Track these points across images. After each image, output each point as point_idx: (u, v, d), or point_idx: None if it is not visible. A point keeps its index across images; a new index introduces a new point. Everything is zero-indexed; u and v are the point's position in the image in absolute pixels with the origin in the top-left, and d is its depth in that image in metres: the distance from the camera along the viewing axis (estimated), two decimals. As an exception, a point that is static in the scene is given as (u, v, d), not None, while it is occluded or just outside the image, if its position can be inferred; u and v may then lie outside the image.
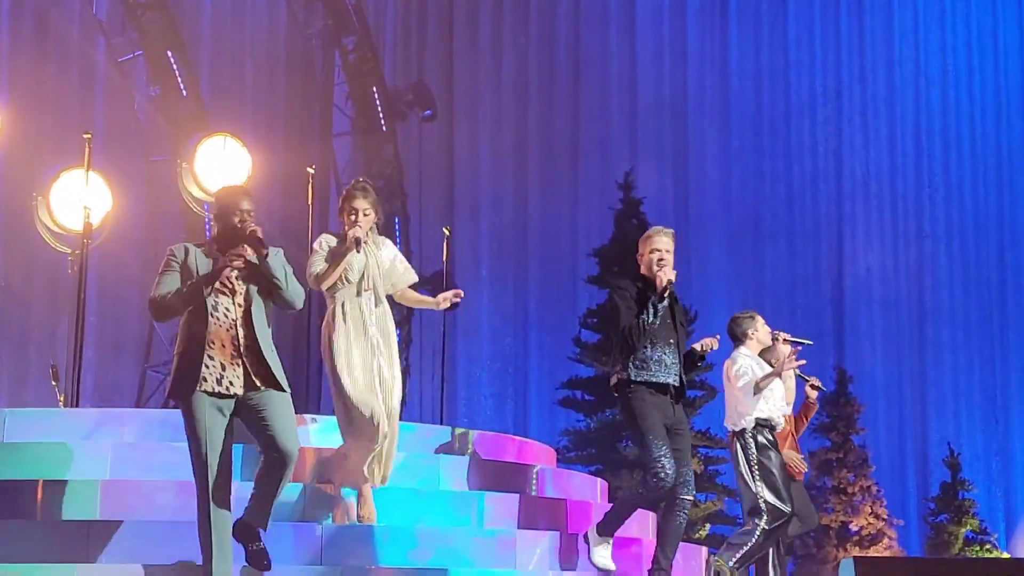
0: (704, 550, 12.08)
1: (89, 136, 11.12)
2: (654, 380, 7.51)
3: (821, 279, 19.92)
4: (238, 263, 6.34)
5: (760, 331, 9.44)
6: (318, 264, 7.29)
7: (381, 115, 16.60)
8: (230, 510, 6.37)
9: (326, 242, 7.35)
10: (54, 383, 11.88)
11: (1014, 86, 20.34)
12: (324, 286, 7.30)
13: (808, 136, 20.15)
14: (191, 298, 6.35)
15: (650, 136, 19.93)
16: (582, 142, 19.93)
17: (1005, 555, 16.29)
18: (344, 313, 7.33)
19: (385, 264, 7.49)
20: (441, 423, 11.84)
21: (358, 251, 7.19)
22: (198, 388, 6.30)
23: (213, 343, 6.37)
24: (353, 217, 7.26)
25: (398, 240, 17.40)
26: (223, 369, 6.35)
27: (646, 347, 7.49)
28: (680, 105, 20.08)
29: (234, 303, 6.43)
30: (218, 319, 6.38)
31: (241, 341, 6.38)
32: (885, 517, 16.36)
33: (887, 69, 20.39)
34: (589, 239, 18.34)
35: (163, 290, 6.44)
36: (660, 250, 7.72)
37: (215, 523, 6.31)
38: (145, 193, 14.18)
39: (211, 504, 6.29)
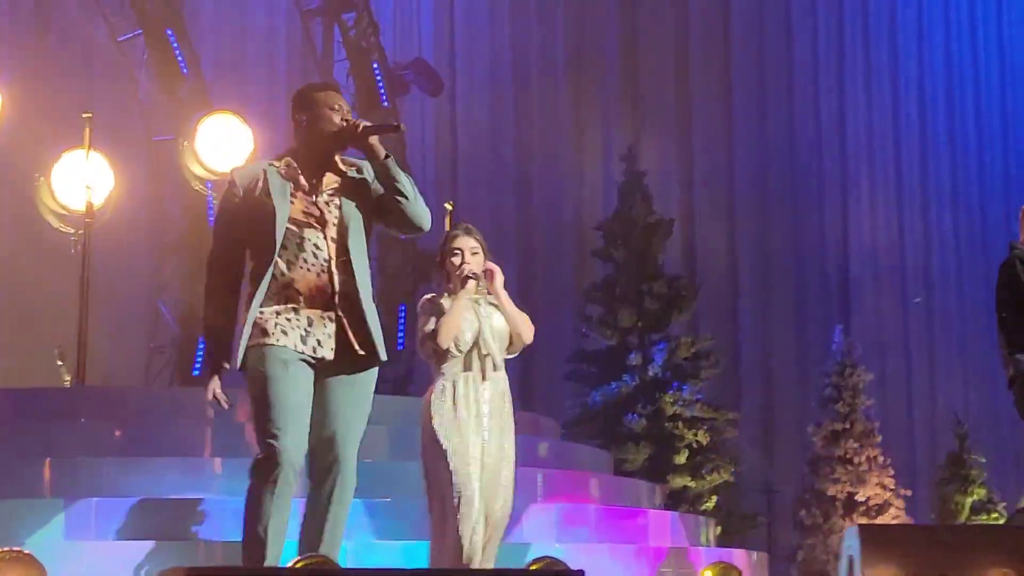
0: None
1: (89, 116, 11.22)
2: None
3: (826, 246, 19.99)
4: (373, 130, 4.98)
5: None
6: (429, 323, 6.07)
7: (383, 91, 16.64)
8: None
9: (429, 303, 6.16)
10: (60, 363, 12.03)
11: (1018, 48, 20.35)
12: (444, 342, 6.00)
13: (811, 101, 20.17)
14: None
15: (653, 108, 19.97)
16: (585, 115, 19.97)
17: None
18: (454, 391, 6.05)
19: (500, 327, 6.21)
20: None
21: (472, 285, 6.07)
22: (269, 343, 4.90)
23: (298, 291, 4.94)
24: (457, 259, 6.09)
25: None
26: (309, 325, 4.96)
27: None
28: (683, 75, 20.11)
29: (326, 237, 4.98)
30: (304, 259, 4.95)
31: (337, 288, 4.97)
32: (892, 487, 16.46)
33: (890, 34, 20.40)
34: (594, 213, 18.44)
35: (219, 243, 5.04)
36: None
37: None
38: (148, 173, 14.26)
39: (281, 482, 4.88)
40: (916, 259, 19.98)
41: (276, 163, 5.07)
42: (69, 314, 11.30)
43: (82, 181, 11.45)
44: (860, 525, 12.97)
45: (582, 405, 16.34)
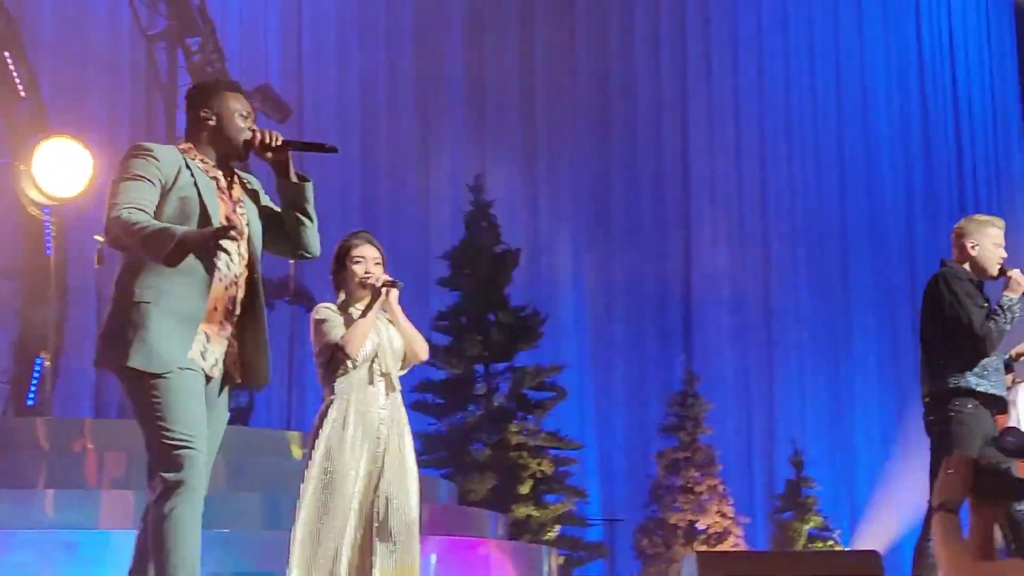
0: (552, 551, 12.30)
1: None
2: (992, 392, 6.50)
3: (669, 279, 20.28)
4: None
5: None
6: (335, 330, 5.75)
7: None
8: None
9: (326, 310, 5.88)
10: None
11: (854, 89, 20.96)
12: (354, 351, 5.66)
13: (655, 138, 20.50)
14: (189, 247, 4.22)
15: (499, 139, 20.10)
16: (432, 144, 20.02)
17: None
18: (347, 407, 5.69)
19: (397, 345, 5.90)
20: (289, 427, 11.89)
21: (392, 294, 5.82)
22: (174, 355, 4.40)
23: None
24: (361, 267, 5.89)
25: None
26: (208, 341, 4.50)
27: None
28: (529, 108, 20.29)
29: (238, 251, 4.55)
30: (219, 270, 4.47)
31: (237, 307, 4.55)
32: (732, 516, 16.77)
33: (732, 73, 20.85)
34: (440, 242, 18.46)
35: (137, 204, 4.35)
36: (1002, 244, 6.62)
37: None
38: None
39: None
40: (756, 293, 20.39)
41: (190, 154, 4.56)
42: None
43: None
44: (698, 552, 13.21)
45: (427, 434, 16.33)
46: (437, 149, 20.00)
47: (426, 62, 19.99)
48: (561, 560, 15.38)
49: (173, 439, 4.37)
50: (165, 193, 4.45)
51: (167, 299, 4.39)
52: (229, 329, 4.56)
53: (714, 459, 16.89)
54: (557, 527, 16.07)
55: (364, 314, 5.77)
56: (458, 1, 20.13)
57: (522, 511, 15.73)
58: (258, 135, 4.60)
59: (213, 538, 7.96)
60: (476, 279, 16.48)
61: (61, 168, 12.54)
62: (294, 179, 4.65)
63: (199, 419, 4.42)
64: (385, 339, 5.86)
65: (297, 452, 10.34)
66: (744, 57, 20.87)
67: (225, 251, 4.44)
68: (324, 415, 5.73)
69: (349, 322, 5.79)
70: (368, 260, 5.91)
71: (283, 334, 15.95)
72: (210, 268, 4.42)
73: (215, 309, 4.48)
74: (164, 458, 4.37)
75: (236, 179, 4.69)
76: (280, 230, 4.72)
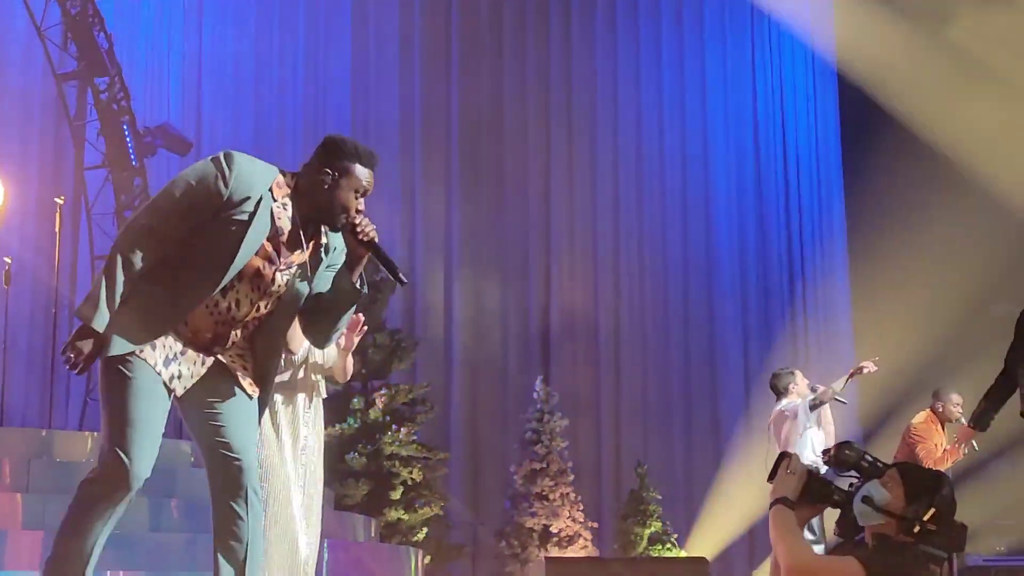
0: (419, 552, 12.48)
1: None
2: None
3: (531, 307, 20.50)
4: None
5: (800, 385, 10.11)
6: None
7: (132, 151, 16.48)
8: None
9: None
10: None
11: (696, 143, 21.43)
12: (296, 348, 5.49)
13: (521, 180, 20.73)
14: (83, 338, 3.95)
15: (379, 178, 20.21)
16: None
17: (682, 553, 17.18)
18: (274, 407, 5.50)
19: (331, 355, 5.74)
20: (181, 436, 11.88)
21: None
22: (142, 355, 4.09)
23: (186, 325, 4.14)
24: None
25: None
26: (181, 354, 4.16)
27: None
28: (407, 148, 20.43)
29: (254, 303, 4.17)
30: (216, 303, 4.11)
31: (232, 339, 4.20)
32: (582, 520, 17.06)
33: (591, 121, 21.17)
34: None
35: (161, 216, 4.03)
36: None
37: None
38: None
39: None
40: (607, 322, 20.72)
41: (277, 192, 4.11)
42: None
43: None
44: (547, 558, 13.49)
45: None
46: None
47: (316, 106, 20.06)
48: (428, 560, 15.59)
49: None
50: (226, 203, 4.01)
51: (137, 298, 4.09)
52: (217, 355, 4.19)
53: (567, 469, 17.17)
54: (425, 530, 16.23)
55: None
56: (345, 43, 20.20)
57: (393, 515, 15.87)
58: (357, 217, 4.24)
59: None
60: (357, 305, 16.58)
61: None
62: (355, 279, 4.29)
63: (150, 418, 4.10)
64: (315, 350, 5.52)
65: (189, 454, 10.37)
66: (602, 111, 21.24)
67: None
68: None
69: None
70: None
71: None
72: (196, 301, 4.06)
73: (194, 336, 4.13)
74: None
75: (316, 243, 4.20)
76: (316, 310, 4.29)
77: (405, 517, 15.97)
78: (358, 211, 4.26)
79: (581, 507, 17.16)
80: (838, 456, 4.21)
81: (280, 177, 4.18)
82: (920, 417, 10.58)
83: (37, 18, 16.13)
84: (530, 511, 16.79)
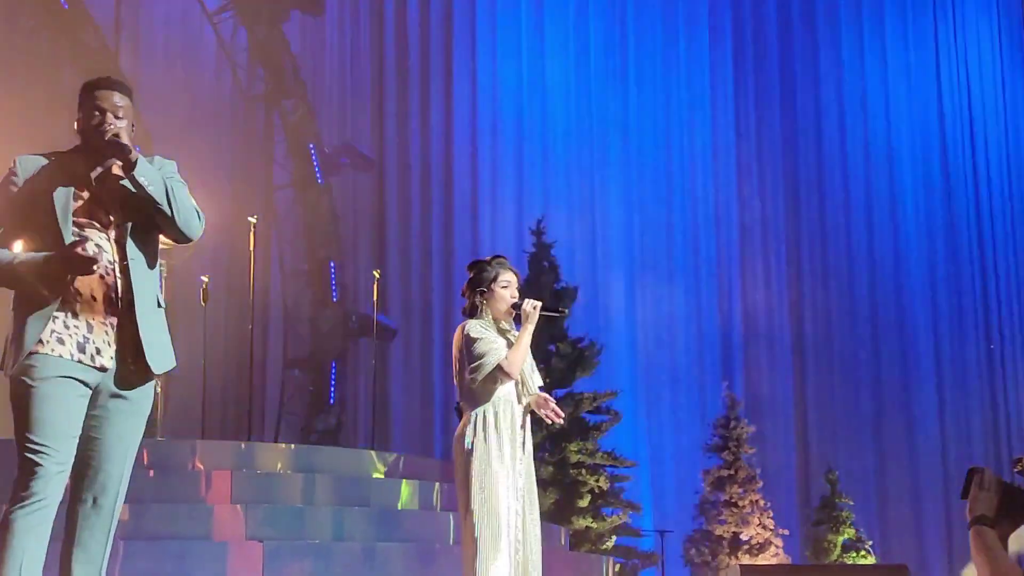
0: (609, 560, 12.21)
1: None
2: None
3: (715, 314, 20.17)
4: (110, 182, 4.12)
5: None
6: (496, 350, 5.43)
7: (318, 170, 16.65)
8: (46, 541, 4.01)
9: (481, 329, 5.49)
10: None
11: (878, 135, 20.83)
12: (516, 373, 5.37)
13: (700, 187, 20.43)
14: (42, 269, 3.98)
15: (559, 188, 20.12)
16: (499, 192, 20.07)
17: (875, 560, 16.57)
18: (496, 420, 5.38)
19: (531, 365, 5.62)
20: (373, 446, 11.88)
21: (534, 316, 5.45)
22: (42, 351, 4.01)
23: (79, 293, 4.07)
24: (508, 291, 5.53)
25: (333, 283, 17.41)
26: (88, 331, 4.09)
27: None
28: (587, 159, 20.30)
29: (109, 239, 4.16)
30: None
31: (119, 294, 4.12)
32: (772, 528, 16.56)
33: (769, 124, 20.77)
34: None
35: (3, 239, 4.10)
36: None
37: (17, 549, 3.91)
38: None
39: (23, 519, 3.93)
40: (792, 325, 20.26)
41: (61, 153, 4.25)
42: None
43: None
44: (742, 566, 13.06)
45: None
46: (503, 197, 20.05)
47: (491, 117, 20.08)
48: (617, 568, 15.28)
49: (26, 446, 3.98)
50: (24, 190, 4.15)
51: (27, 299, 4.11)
52: (114, 319, 4.11)
53: (755, 476, 16.71)
54: (613, 538, 15.96)
55: (521, 337, 5.46)
56: (521, 60, 20.18)
57: (581, 523, 15.64)
58: (101, 127, 4.18)
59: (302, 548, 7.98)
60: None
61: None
62: (128, 175, 4.16)
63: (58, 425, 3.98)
64: (527, 363, 5.59)
65: (381, 466, 10.33)
66: (782, 113, 20.79)
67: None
68: (472, 427, 5.41)
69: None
70: (512, 285, 5.58)
71: (368, 365, 15.99)
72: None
73: (93, 299, 4.07)
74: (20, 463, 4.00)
75: (114, 172, 4.22)
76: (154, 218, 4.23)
77: (594, 525, 15.73)
78: (100, 124, 4.19)
79: (771, 514, 16.65)
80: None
81: (67, 149, 4.31)
82: None
83: (226, 43, 16.44)
84: (719, 519, 16.36)
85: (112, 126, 4.17)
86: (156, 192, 4.15)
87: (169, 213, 4.17)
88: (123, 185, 4.17)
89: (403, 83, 19.55)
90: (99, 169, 4.22)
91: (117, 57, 15.39)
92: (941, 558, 18.37)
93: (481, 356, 5.39)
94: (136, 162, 4.15)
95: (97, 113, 4.20)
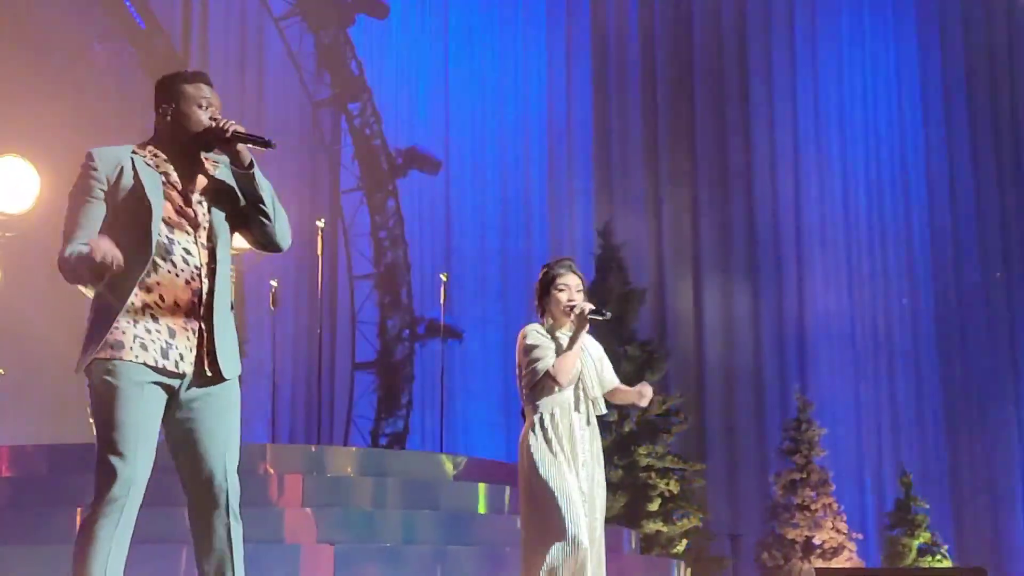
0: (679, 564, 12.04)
1: None
2: None
3: (784, 315, 19.93)
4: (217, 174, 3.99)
5: None
6: (547, 357, 5.38)
7: (384, 173, 16.67)
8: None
9: (537, 334, 5.46)
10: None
11: (937, 132, 20.55)
12: (566, 381, 5.33)
13: (769, 187, 20.21)
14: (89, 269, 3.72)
15: (626, 190, 19.99)
16: (564, 194, 19.97)
17: (950, 564, 16.27)
18: (553, 423, 5.35)
19: (598, 365, 5.63)
20: (441, 450, 11.84)
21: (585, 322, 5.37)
22: (126, 358, 3.86)
23: (162, 298, 3.91)
24: (564, 295, 5.46)
25: (400, 286, 17.42)
26: (171, 336, 3.92)
27: None
28: (652, 162, 20.15)
29: (196, 242, 3.98)
30: (173, 263, 3.91)
31: (203, 299, 3.95)
32: (845, 531, 16.30)
33: (837, 126, 20.52)
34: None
35: (78, 234, 3.87)
36: None
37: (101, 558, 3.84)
38: None
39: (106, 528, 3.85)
40: (865, 329, 19.98)
41: (140, 151, 4.01)
42: None
43: None
44: (817, 569, 12.83)
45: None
46: (570, 200, 19.96)
47: (557, 125, 20.00)
48: (688, 572, 15.10)
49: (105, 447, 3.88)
50: (110, 191, 3.91)
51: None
52: (196, 324, 3.94)
53: (827, 479, 16.45)
54: (684, 541, 15.79)
55: (571, 342, 5.40)
56: (586, 66, 20.10)
57: (651, 527, 15.49)
58: (214, 123, 3.96)
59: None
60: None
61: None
62: (244, 168, 3.95)
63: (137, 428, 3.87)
64: (588, 364, 5.55)
65: (450, 469, 10.26)
66: (850, 114, 20.54)
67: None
68: (533, 431, 5.39)
69: (556, 348, 5.43)
70: (571, 288, 5.48)
71: (436, 368, 15.94)
72: (142, 263, 3.85)
73: (176, 304, 3.89)
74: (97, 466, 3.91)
75: (201, 172, 4.04)
76: (243, 222, 4.05)
77: (664, 529, 15.57)
78: (212, 119, 3.98)
79: (844, 518, 16.37)
80: None
81: (137, 145, 4.07)
82: None
83: (292, 48, 16.49)
84: (792, 522, 16.11)
85: (225, 120, 3.96)
86: (266, 194, 3.98)
87: (271, 218, 4.00)
88: (221, 182, 4.01)
89: (469, 82, 19.52)
90: (214, 162, 4.03)
91: (186, 64, 15.49)
92: (1020, 561, 18.00)
93: (534, 363, 5.39)
94: (252, 161, 3.96)
95: (200, 106, 3.99)
